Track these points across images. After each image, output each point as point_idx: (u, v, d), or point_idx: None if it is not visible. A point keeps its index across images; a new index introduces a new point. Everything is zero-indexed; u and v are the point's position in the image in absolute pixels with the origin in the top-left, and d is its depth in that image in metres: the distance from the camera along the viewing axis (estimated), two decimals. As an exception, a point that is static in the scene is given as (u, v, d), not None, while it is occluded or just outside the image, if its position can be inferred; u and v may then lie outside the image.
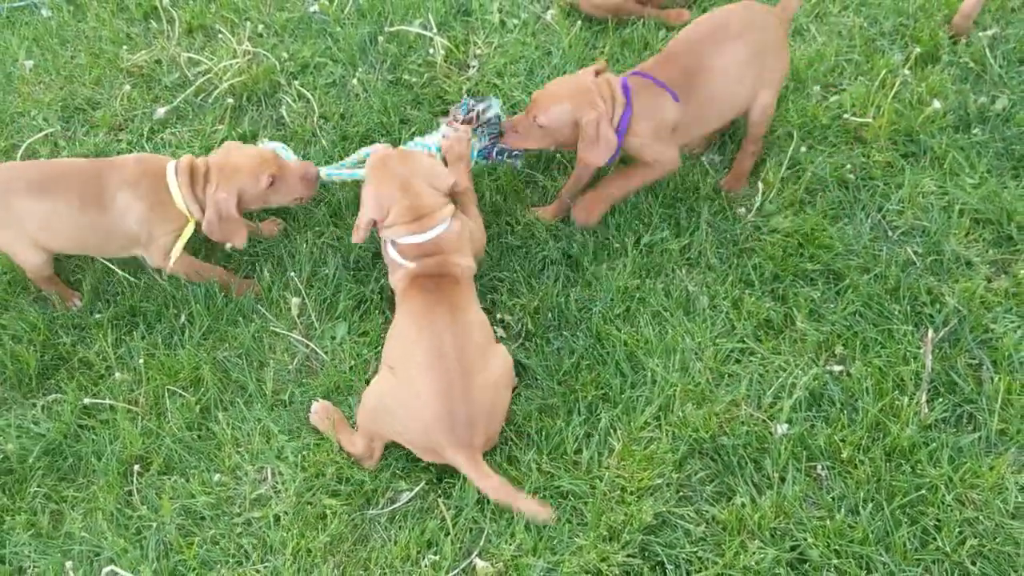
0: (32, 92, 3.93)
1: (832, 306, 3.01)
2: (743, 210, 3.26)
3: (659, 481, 2.65)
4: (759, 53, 3.09)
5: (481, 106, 3.15)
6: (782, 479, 2.66)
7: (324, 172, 3.19)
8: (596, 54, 3.84)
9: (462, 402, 2.55)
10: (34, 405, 2.97)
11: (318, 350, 3.05)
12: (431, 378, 2.56)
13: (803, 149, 3.39)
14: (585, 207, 3.17)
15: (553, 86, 3.06)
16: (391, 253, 2.85)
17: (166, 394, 2.94)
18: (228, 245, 3.20)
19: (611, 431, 2.77)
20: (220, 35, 4.00)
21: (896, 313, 2.95)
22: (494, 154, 3.19)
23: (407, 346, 2.67)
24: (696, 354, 2.91)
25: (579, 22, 3.91)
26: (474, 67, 3.88)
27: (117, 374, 2.99)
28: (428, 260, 2.78)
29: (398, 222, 2.78)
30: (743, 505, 2.59)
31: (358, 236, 2.82)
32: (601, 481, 2.66)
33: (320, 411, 2.85)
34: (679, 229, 3.21)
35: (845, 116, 3.45)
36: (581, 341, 2.94)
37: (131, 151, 3.62)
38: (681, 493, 2.66)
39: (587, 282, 3.12)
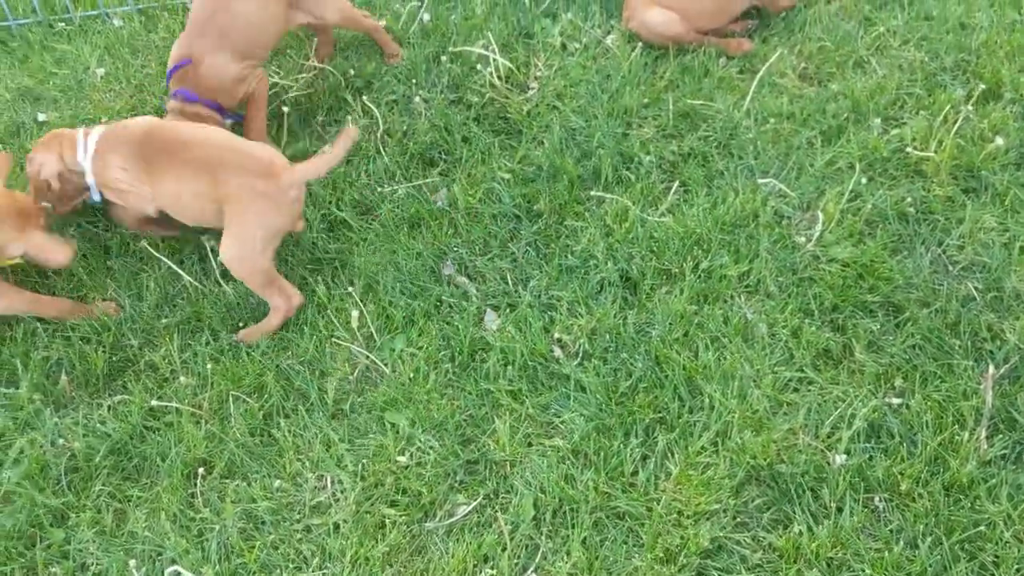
0: (103, 99, 4.03)
1: (891, 338, 3.01)
2: (803, 239, 3.28)
3: (716, 506, 2.67)
4: None
5: None
6: (839, 509, 2.66)
7: None
8: (656, 79, 3.89)
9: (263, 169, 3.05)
10: (100, 405, 3.04)
11: (378, 361, 3.10)
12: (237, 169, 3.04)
13: (863, 181, 3.41)
14: None
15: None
16: None
17: (230, 399, 2.99)
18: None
19: (668, 455, 2.79)
20: (288, 50, 4.09)
21: (956, 348, 2.96)
22: None
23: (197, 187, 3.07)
24: (754, 381, 2.93)
25: (639, 47, 3.96)
26: (534, 89, 3.94)
27: (182, 378, 3.05)
28: None
29: None
30: (800, 533, 2.60)
31: None
32: (658, 504, 2.68)
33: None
34: (738, 256, 3.24)
35: (907, 150, 3.46)
36: (640, 364, 2.96)
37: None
38: (738, 519, 2.67)
39: (643, 305, 3.15)
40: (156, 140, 3.12)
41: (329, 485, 2.84)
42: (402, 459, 2.84)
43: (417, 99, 3.87)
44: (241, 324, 3.21)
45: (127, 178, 3.11)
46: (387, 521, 2.73)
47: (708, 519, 2.66)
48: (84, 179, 3.21)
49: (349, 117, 3.83)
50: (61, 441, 2.94)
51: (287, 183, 3.05)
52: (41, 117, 3.96)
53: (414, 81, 3.92)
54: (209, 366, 3.03)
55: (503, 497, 2.77)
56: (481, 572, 2.61)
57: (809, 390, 2.92)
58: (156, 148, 3.10)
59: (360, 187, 3.59)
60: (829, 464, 2.73)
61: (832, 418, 2.83)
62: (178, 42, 3.54)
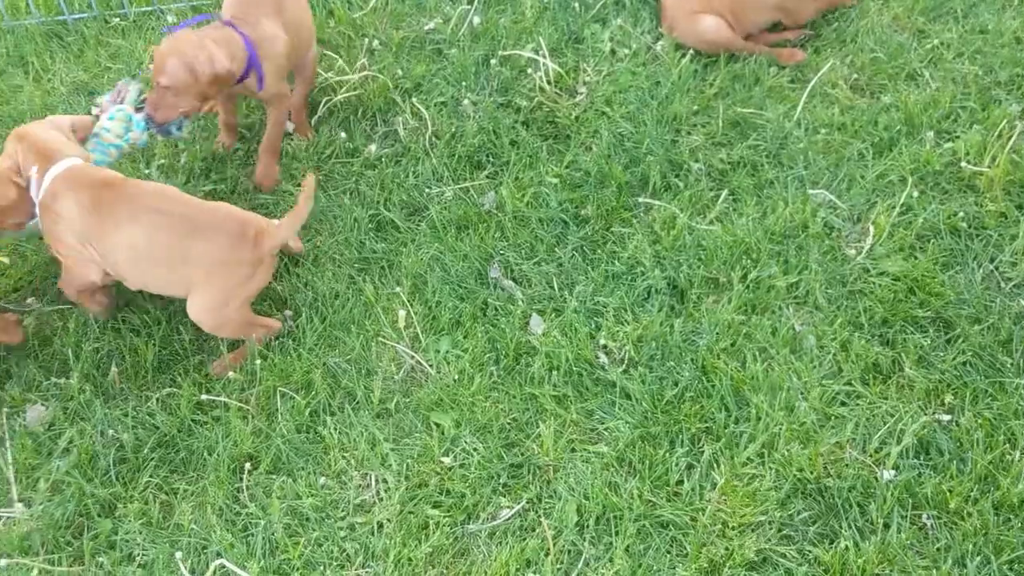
0: (156, 95, 4.07)
1: (942, 355, 2.98)
2: (853, 251, 3.25)
3: (762, 518, 2.65)
4: None
5: (127, 87, 3.41)
6: (887, 525, 2.63)
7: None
8: (706, 87, 3.87)
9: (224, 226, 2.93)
10: (149, 398, 3.07)
11: (423, 362, 3.11)
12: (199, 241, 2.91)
13: (915, 194, 3.37)
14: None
15: (162, 47, 3.20)
16: None
17: (277, 395, 3.02)
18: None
19: (714, 465, 2.78)
20: (339, 50, 4.12)
21: (1008, 366, 2.92)
22: (155, 133, 3.37)
23: (158, 246, 2.93)
24: (802, 394, 2.91)
25: (689, 53, 3.94)
26: (582, 94, 3.94)
27: (231, 373, 3.07)
28: None
29: None
30: (847, 549, 2.57)
31: None
32: (703, 514, 2.67)
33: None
34: (787, 267, 3.22)
35: (960, 164, 3.42)
36: (687, 373, 2.95)
37: (251, 159, 3.73)
38: (784, 532, 2.65)
39: (691, 314, 3.14)
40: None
41: (373, 484, 2.85)
42: (446, 460, 2.85)
43: (466, 102, 3.88)
44: (291, 324, 3.23)
45: None
46: (431, 522, 2.73)
47: (753, 531, 2.64)
48: None
49: (400, 118, 3.84)
50: (110, 432, 2.98)
51: (268, 247, 3.00)
52: (96, 111, 4.01)
53: (464, 84, 3.93)
54: (258, 362, 3.05)
55: (546, 502, 2.77)
56: (524, 576, 2.61)
57: (857, 404, 2.89)
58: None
59: (408, 188, 3.61)
60: (877, 479, 2.71)
61: (880, 433, 2.80)
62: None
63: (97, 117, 3.37)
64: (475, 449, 2.87)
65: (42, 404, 3.07)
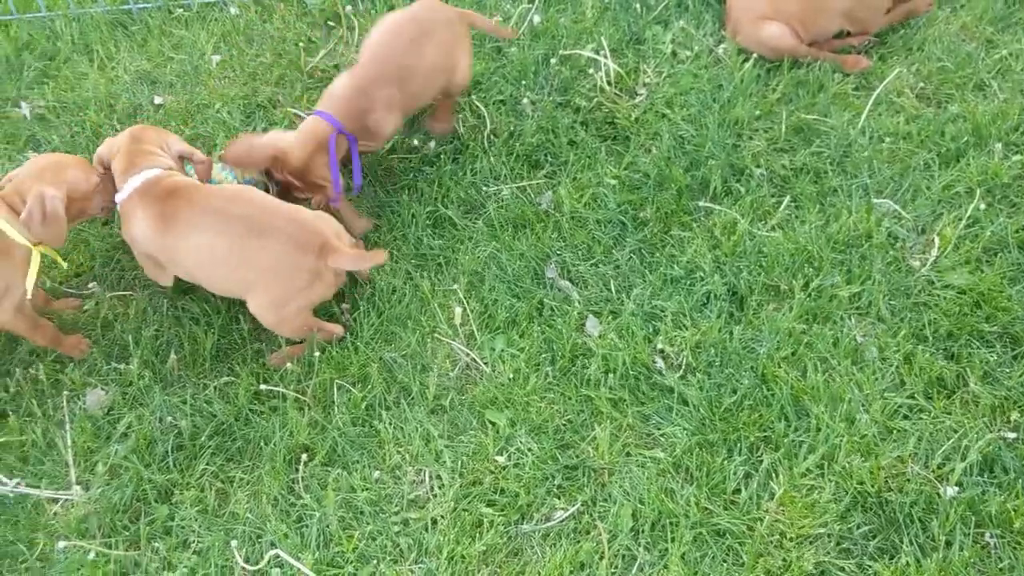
0: (217, 86, 4.11)
1: (1008, 371, 2.92)
2: (917, 263, 3.20)
3: (821, 531, 2.62)
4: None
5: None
6: (948, 543, 2.58)
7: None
8: (769, 91, 3.82)
9: (285, 230, 2.90)
10: (207, 386, 3.09)
11: (478, 360, 3.11)
12: (257, 242, 2.88)
13: (982, 207, 3.31)
14: None
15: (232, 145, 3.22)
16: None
17: (334, 388, 3.03)
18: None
19: (772, 474, 2.74)
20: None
21: (1077, 385, 2.85)
22: None
23: (219, 251, 2.92)
24: (863, 406, 2.86)
25: (753, 57, 3.90)
26: (642, 95, 3.91)
27: (289, 364, 3.09)
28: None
29: None
30: (907, 565, 2.53)
31: None
32: (760, 523, 2.64)
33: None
34: (850, 276, 3.17)
35: (1031, 177, 3.36)
36: (746, 381, 2.92)
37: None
38: (842, 545, 2.62)
39: (750, 321, 3.10)
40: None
41: (427, 480, 2.85)
42: (500, 459, 2.85)
43: (525, 100, 3.86)
44: (348, 317, 3.24)
45: None
46: (484, 520, 2.73)
47: (812, 543, 2.61)
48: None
49: (459, 116, 3.84)
50: (169, 419, 3.00)
51: (330, 263, 2.97)
52: (158, 100, 4.06)
53: (523, 83, 3.92)
54: (316, 354, 3.06)
55: (601, 505, 2.75)
56: (578, 579, 2.59)
57: (920, 418, 2.84)
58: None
59: (466, 185, 3.60)
60: (939, 496, 2.66)
61: (944, 449, 2.75)
62: (349, 78, 3.38)
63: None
64: (529, 449, 2.86)
65: (102, 388, 3.11)
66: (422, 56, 3.38)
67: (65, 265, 3.23)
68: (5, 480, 2.92)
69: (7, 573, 2.74)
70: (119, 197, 3.02)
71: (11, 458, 2.99)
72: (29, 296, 2.95)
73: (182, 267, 3.03)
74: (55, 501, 2.89)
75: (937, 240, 3.23)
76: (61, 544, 2.73)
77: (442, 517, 2.74)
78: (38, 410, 3.06)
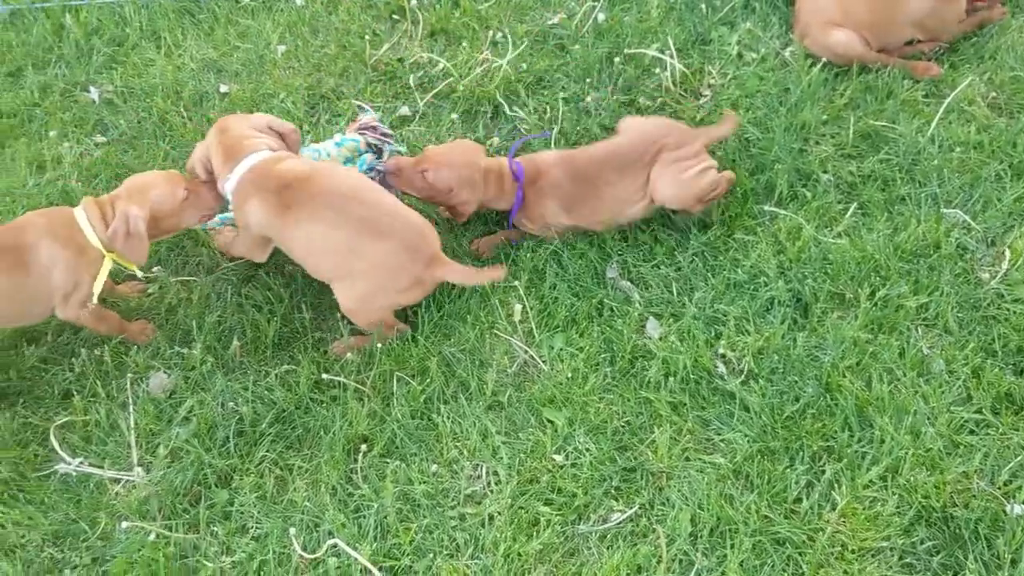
0: (282, 76, 4.14)
1: (1080, 389, 2.85)
2: (987, 275, 3.14)
3: (884, 544, 2.58)
4: None
5: (373, 121, 3.52)
6: (1015, 562, 2.53)
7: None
8: (836, 96, 3.77)
9: (401, 234, 2.95)
10: (268, 373, 3.12)
11: (536, 357, 3.10)
12: (372, 240, 2.93)
13: (1056, 220, 3.24)
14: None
15: (447, 149, 3.31)
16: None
17: (394, 380, 3.04)
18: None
19: (834, 485, 2.71)
20: (463, 41, 4.13)
21: None
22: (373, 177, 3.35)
23: (332, 241, 2.95)
24: (929, 419, 2.81)
25: (821, 61, 3.85)
26: (707, 96, 3.88)
27: (349, 355, 3.10)
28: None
29: None
30: (973, 583, 2.49)
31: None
32: (821, 534, 2.60)
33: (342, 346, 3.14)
34: (917, 287, 3.12)
35: (1108, 191, 3.28)
36: (809, 389, 2.88)
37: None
38: (905, 560, 2.58)
39: (815, 329, 3.07)
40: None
41: (484, 475, 2.85)
42: (558, 458, 2.84)
43: (588, 99, 3.85)
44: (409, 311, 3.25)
45: None
46: (541, 519, 2.72)
47: (874, 556, 2.57)
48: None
49: (521, 110, 3.83)
50: (230, 404, 3.03)
51: (434, 275, 3.05)
52: (223, 88, 4.10)
53: (588, 80, 3.90)
54: (380, 345, 3.07)
55: (659, 509, 2.73)
56: (634, 582, 2.58)
57: (988, 434, 2.79)
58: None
59: (527, 182, 3.59)
60: (1006, 513, 2.61)
61: (1011, 466, 2.70)
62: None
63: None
64: (587, 449, 2.85)
65: (165, 372, 3.14)
66: None
67: (140, 273, 3.31)
68: (68, 459, 2.96)
69: (69, 551, 2.79)
70: (228, 187, 3.06)
71: (75, 438, 3.03)
72: (95, 301, 3.03)
73: (287, 247, 3.09)
74: (116, 481, 2.93)
75: (1008, 253, 3.17)
76: (124, 524, 2.77)
77: (499, 514, 2.74)
78: (102, 391, 3.11)
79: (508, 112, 3.87)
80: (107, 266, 3.03)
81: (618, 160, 3.28)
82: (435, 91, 3.98)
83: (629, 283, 3.26)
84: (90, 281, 3.01)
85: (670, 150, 3.24)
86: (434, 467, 2.86)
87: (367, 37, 4.22)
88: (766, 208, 3.41)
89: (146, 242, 2.99)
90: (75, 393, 3.11)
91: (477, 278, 3.10)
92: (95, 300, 3.03)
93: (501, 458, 2.86)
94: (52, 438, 2.99)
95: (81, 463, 2.95)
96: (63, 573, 2.73)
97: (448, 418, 2.96)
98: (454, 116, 3.87)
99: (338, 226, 2.95)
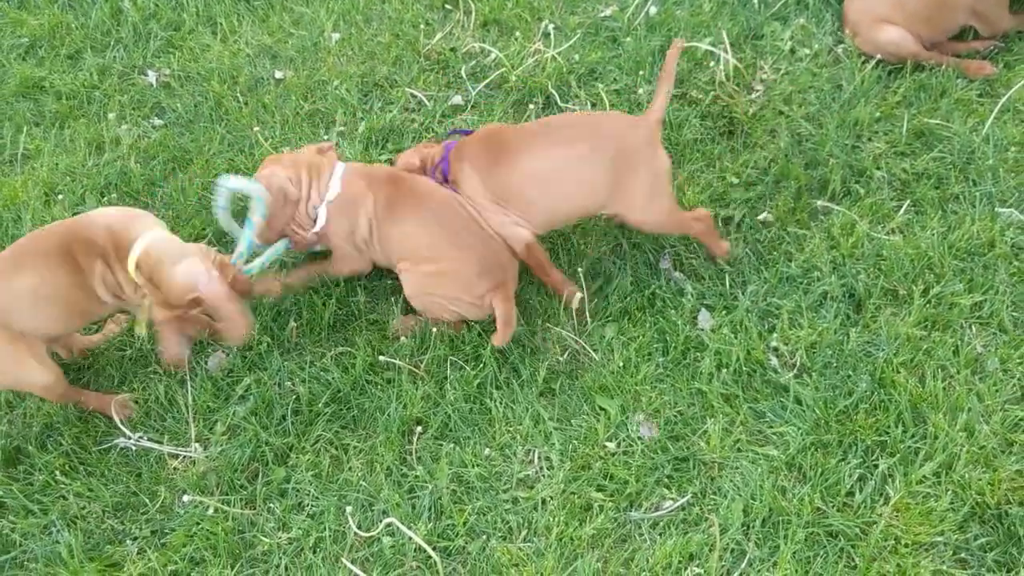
0: (336, 63, 4.19)
1: None
2: (1043, 276, 3.13)
3: (938, 539, 2.59)
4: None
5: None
6: (1070, 562, 2.54)
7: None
8: (889, 94, 3.77)
9: (489, 250, 3.00)
10: (324, 354, 3.17)
11: (587, 347, 3.13)
12: (459, 245, 2.98)
13: (1113, 222, 3.23)
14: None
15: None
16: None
17: (448, 364, 3.07)
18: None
19: (888, 479, 2.72)
20: (515, 32, 4.15)
21: None
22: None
23: (421, 234, 3.01)
24: (983, 416, 2.81)
25: (874, 59, 3.84)
26: (759, 91, 3.88)
27: (403, 338, 3.14)
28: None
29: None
30: (1027, 581, 2.49)
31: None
32: (875, 527, 2.62)
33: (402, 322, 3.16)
34: (972, 285, 3.11)
35: None
36: (863, 384, 2.89)
37: (423, 133, 3.80)
38: (958, 556, 2.58)
39: (868, 324, 3.07)
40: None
41: (536, 460, 2.88)
42: (610, 445, 2.87)
43: (640, 91, 3.86)
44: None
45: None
46: (594, 505, 2.75)
47: (927, 551, 2.58)
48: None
49: (573, 106, 3.86)
50: (287, 384, 3.08)
51: (499, 298, 3.01)
52: (278, 75, 4.15)
53: (640, 73, 3.92)
54: (434, 330, 3.11)
55: (711, 498, 2.75)
56: (687, 569, 2.60)
57: (1043, 433, 2.79)
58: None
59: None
60: (1061, 513, 2.61)
61: (1066, 466, 2.70)
62: None
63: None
64: (639, 438, 2.88)
65: (223, 351, 3.20)
66: None
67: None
68: (129, 433, 3.02)
69: (129, 523, 2.85)
70: (334, 186, 3.11)
71: (135, 414, 3.09)
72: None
73: (385, 247, 3.12)
74: (175, 456, 2.99)
75: (1064, 253, 3.16)
76: (186, 498, 2.82)
77: (551, 498, 2.77)
78: (160, 368, 3.16)
79: (560, 103, 3.89)
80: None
81: (548, 133, 3.04)
82: (487, 81, 4.00)
83: (682, 275, 3.28)
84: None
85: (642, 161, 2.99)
86: (487, 451, 2.90)
87: (420, 26, 4.25)
88: (819, 203, 3.41)
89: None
90: (135, 369, 3.17)
91: (505, 332, 2.99)
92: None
93: (553, 444, 2.89)
94: (113, 412, 3.05)
95: (140, 438, 3.01)
96: (124, 544, 2.79)
97: (501, 403, 3.00)
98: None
99: (427, 224, 3.01)
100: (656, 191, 3.01)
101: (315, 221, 3.11)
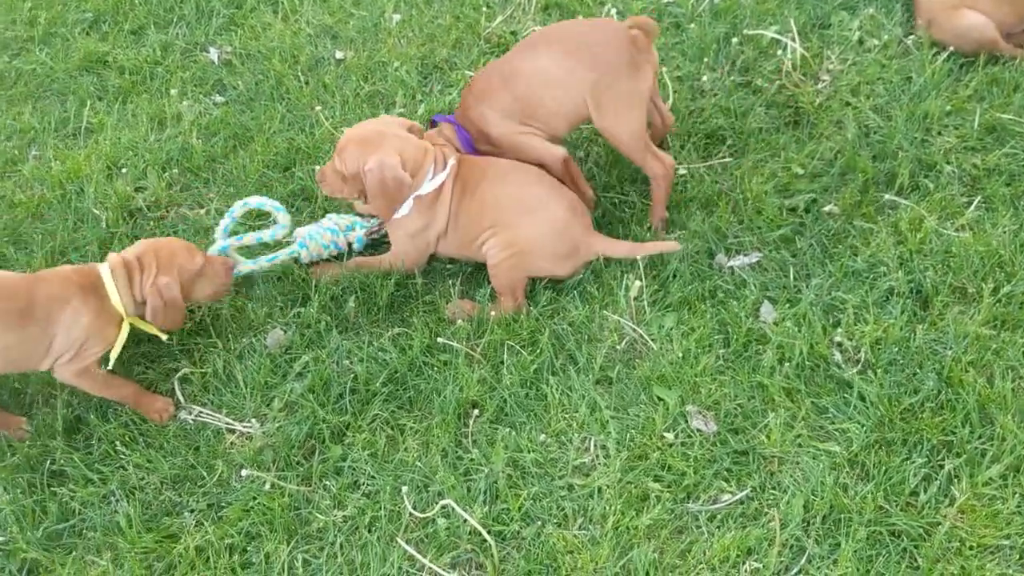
0: (396, 45, 4.18)
1: None
2: (1119, 277, 3.04)
3: (1004, 542, 2.53)
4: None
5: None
6: None
7: (240, 266, 3.25)
8: (961, 87, 3.68)
9: (572, 205, 3.10)
10: (381, 335, 3.17)
11: (646, 337, 3.10)
12: (548, 200, 3.08)
13: None
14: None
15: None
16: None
17: (504, 349, 3.06)
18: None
19: (953, 479, 2.66)
20: (577, 15, 4.12)
21: None
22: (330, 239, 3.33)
23: (509, 197, 3.08)
24: (1054, 419, 2.75)
25: (947, 50, 3.75)
26: (825, 81, 3.81)
27: (460, 321, 3.14)
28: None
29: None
30: (1097, 589, 2.43)
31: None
32: (939, 528, 2.56)
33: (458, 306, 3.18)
34: (1045, 284, 3.04)
35: None
36: (929, 382, 2.83)
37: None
38: (1026, 560, 2.52)
39: (934, 322, 3.01)
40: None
41: (592, 448, 2.86)
42: (668, 436, 2.83)
43: (704, 78, 3.81)
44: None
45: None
46: (651, 495, 2.72)
47: (993, 554, 2.52)
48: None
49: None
50: (345, 362, 3.09)
51: (586, 252, 3.15)
52: (339, 55, 4.15)
53: (704, 60, 3.86)
54: (493, 314, 3.10)
55: (770, 493, 2.71)
56: (744, 563, 2.57)
57: (1116, 439, 2.71)
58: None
59: (640, 160, 3.57)
60: None
61: None
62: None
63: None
64: (699, 430, 2.84)
65: (281, 329, 3.21)
66: None
67: (165, 337, 3.08)
68: (189, 407, 3.05)
69: (187, 495, 2.87)
70: (426, 189, 3.13)
71: (193, 388, 3.12)
72: (109, 367, 2.94)
73: (465, 228, 3.17)
74: (232, 431, 3.01)
75: None
76: (245, 472, 2.84)
77: (608, 487, 2.75)
78: (219, 343, 3.19)
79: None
80: (125, 331, 2.93)
81: (536, 44, 3.20)
82: (548, 65, 3.96)
83: (746, 266, 3.23)
84: (102, 346, 2.91)
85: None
86: (542, 437, 2.88)
87: (481, 9, 4.23)
88: (887, 197, 3.35)
89: (183, 308, 2.95)
90: (194, 345, 3.20)
91: (643, 250, 3.12)
92: (111, 366, 2.94)
93: (610, 432, 2.87)
94: (175, 386, 3.08)
95: (200, 412, 3.04)
96: (181, 516, 2.82)
97: (557, 390, 2.98)
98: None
99: (512, 184, 3.09)
100: (629, 104, 3.10)
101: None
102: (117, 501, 2.87)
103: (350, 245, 3.35)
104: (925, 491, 2.64)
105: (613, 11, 4.15)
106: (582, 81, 3.08)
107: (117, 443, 2.97)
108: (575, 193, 3.24)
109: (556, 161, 3.23)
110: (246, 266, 3.26)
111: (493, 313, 3.11)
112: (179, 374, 3.14)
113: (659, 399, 2.93)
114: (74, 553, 2.77)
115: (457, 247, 3.21)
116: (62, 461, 2.96)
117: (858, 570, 2.52)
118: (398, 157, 3.04)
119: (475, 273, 3.29)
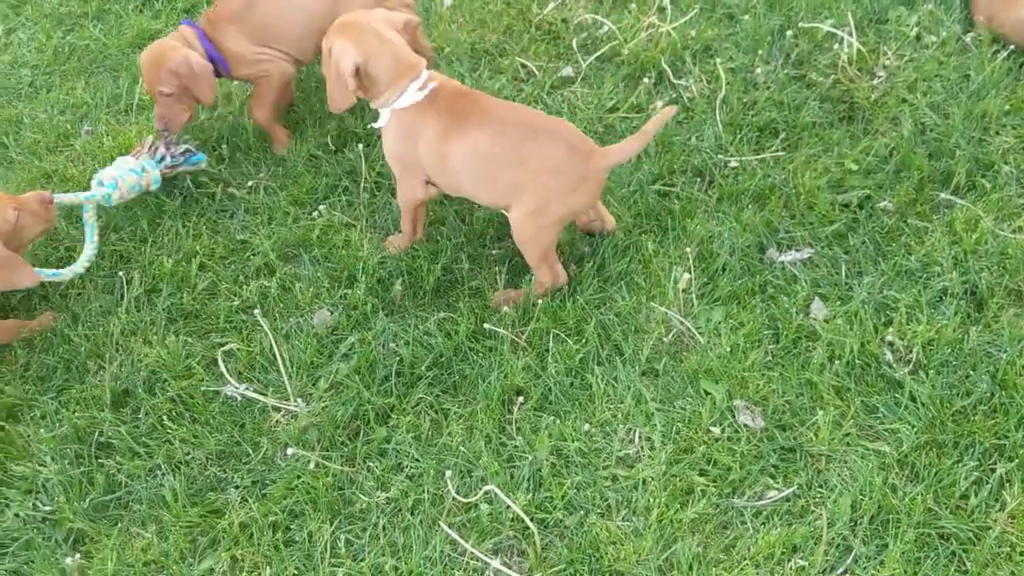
0: (447, 30, 4.17)
1: None
2: None
3: (1057, 550, 2.49)
4: None
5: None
6: None
7: (56, 198, 3.24)
8: (1020, 87, 3.61)
9: (558, 132, 2.92)
10: (427, 319, 3.17)
11: (693, 330, 3.07)
12: (533, 143, 2.90)
13: None
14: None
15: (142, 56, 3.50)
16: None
17: (550, 337, 3.05)
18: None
19: (1005, 484, 2.62)
20: (630, 4, 4.08)
21: None
22: (168, 159, 3.52)
23: (503, 151, 2.92)
24: (1111, 427, 2.69)
25: (1008, 49, 3.68)
26: (881, 77, 3.75)
27: (505, 308, 3.13)
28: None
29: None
30: None
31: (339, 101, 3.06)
32: (989, 533, 2.52)
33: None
34: (1104, 290, 2.98)
35: None
36: (982, 385, 2.78)
37: (532, 104, 3.76)
38: (1078, 569, 2.48)
39: (989, 324, 2.96)
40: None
41: (637, 440, 2.85)
42: (715, 430, 2.81)
43: (758, 71, 3.77)
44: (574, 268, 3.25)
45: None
46: (696, 489, 2.71)
47: (1044, 562, 2.48)
48: None
49: (688, 79, 3.78)
50: (391, 345, 3.09)
51: (596, 166, 2.94)
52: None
53: (759, 52, 3.82)
54: (540, 303, 3.09)
55: (817, 491, 2.68)
56: (790, 561, 2.55)
57: None
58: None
59: (690, 151, 3.55)
60: None
61: None
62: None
63: None
64: (746, 425, 2.82)
65: (328, 310, 3.22)
66: None
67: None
68: (235, 383, 3.07)
69: (231, 471, 2.89)
70: (400, 102, 3.04)
71: (239, 365, 3.14)
72: None
73: (447, 164, 3.04)
74: (277, 410, 3.03)
75: None
76: (290, 451, 2.86)
77: (652, 479, 2.73)
78: (265, 322, 3.20)
79: (672, 79, 3.82)
80: None
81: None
82: (598, 53, 3.95)
83: (797, 261, 3.19)
84: None
85: None
86: (586, 426, 2.87)
87: (533, -4, 4.22)
88: (942, 196, 3.29)
89: (21, 261, 2.98)
90: (241, 323, 3.22)
91: (647, 136, 2.91)
92: None
93: (655, 424, 2.85)
94: (220, 363, 3.10)
95: (246, 389, 3.06)
96: (226, 491, 2.84)
97: (602, 380, 2.97)
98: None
99: (503, 134, 2.93)
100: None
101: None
102: (163, 475, 2.89)
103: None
104: (976, 495, 2.60)
105: (667, 1, 4.11)
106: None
107: (164, 417, 3.00)
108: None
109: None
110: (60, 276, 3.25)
111: (538, 291, 3.09)
112: (224, 348, 3.15)
113: (706, 393, 2.91)
114: (119, 525, 2.80)
115: (455, 189, 3.14)
116: (109, 433, 2.99)
117: (905, 572, 2.49)
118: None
119: (521, 261, 3.27)
